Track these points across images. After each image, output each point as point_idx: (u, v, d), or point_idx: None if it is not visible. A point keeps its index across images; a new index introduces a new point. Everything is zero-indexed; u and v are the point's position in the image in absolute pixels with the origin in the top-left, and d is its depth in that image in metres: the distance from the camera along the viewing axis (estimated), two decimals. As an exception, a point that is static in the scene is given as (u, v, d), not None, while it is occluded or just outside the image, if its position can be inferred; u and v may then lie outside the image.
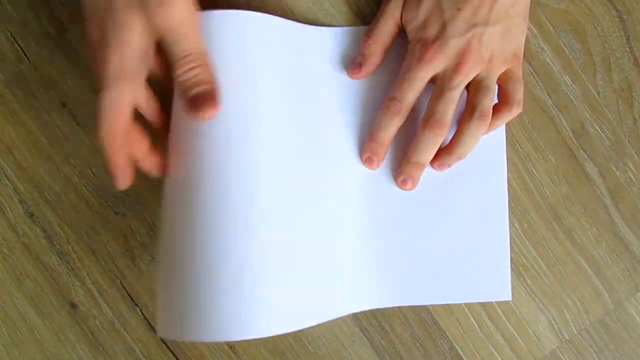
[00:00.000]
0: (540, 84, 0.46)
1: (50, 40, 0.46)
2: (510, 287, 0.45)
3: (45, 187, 0.46)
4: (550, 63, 0.46)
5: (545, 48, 0.46)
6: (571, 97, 0.47)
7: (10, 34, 0.46)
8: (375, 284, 0.45)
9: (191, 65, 0.39)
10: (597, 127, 0.47)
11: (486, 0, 0.41)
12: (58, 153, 0.46)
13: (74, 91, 0.46)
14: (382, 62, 0.45)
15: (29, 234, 0.46)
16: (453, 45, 0.41)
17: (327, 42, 0.45)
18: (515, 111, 0.43)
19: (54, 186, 0.46)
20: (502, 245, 0.45)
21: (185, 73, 0.39)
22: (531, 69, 0.46)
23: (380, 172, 0.45)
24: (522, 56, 0.43)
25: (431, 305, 0.47)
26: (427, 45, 0.42)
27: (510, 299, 0.46)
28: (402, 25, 0.44)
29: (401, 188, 0.45)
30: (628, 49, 0.46)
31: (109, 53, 0.37)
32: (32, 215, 0.47)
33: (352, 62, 0.45)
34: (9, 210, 0.46)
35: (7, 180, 0.46)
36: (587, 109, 0.47)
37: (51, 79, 0.46)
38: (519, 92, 0.43)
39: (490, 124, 0.43)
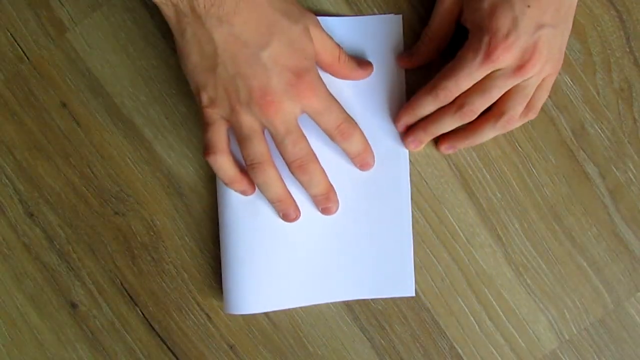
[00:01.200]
0: (540, 84, 0.46)
1: (50, 40, 0.46)
2: (413, 284, 0.46)
3: (45, 187, 0.46)
4: (550, 63, 0.46)
5: (545, 48, 0.46)
6: (571, 97, 0.47)
7: (10, 34, 0.46)
8: (299, 284, 0.46)
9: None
10: (597, 127, 0.47)
11: (553, 0, 0.39)
12: (58, 153, 0.46)
13: (74, 91, 0.46)
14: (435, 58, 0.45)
15: (29, 233, 0.46)
16: (522, 44, 0.39)
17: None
18: (530, 117, 0.43)
19: (54, 186, 0.46)
20: (406, 248, 0.46)
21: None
22: (531, 69, 0.46)
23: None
24: (560, 65, 0.43)
25: (430, 305, 0.47)
26: (496, 39, 0.39)
27: (413, 294, 0.46)
28: (460, 21, 0.43)
29: (407, 147, 0.45)
30: (628, 49, 0.46)
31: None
32: (32, 215, 0.47)
33: (403, 54, 0.45)
34: (9, 210, 0.46)
35: (7, 180, 0.46)
36: (587, 109, 0.47)
37: (51, 79, 0.46)
38: (541, 100, 0.43)
39: None
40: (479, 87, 0.41)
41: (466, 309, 0.47)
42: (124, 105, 0.46)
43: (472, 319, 0.47)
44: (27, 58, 0.46)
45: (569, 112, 0.47)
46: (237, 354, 0.47)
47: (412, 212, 0.46)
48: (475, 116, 0.42)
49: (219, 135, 0.41)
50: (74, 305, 0.47)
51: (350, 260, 0.46)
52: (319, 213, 0.46)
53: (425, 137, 0.45)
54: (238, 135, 0.40)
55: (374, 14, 0.46)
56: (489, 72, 0.40)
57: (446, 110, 0.43)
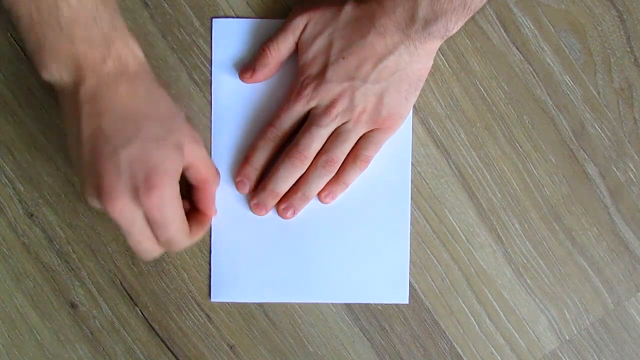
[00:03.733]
0: (540, 84, 0.46)
1: (50, 40, 0.46)
2: (407, 291, 0.46)
3: (45, 187, 0.46)
4: (550, 63, 0.46)
5: (545, 48, 0.46)
6: (571, 97, 0.47)
7: (10, 34, 0.46)
8: (293, 281, 0.47)
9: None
10: (597, 127, 0.47)
11: (371, 57, 0.42)
12: (58, 153, 0.46)
13: (74, 91, 0.46)
14: (276, 73, 0.46)
15: (28, 234, 0.46)
16: (328, 89, 0.43)
17: None
18: (359, 166, 0.45)
19: (54, 186, 0.46)
20: (403, 255, 0.46)
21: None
22: (531, 69, 0.46)
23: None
24: (396, 124, 0.44)
25: (430, 305, 0.47)
26: (307, 81, 0.44)
27: (407, 302, 0.46)
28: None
29: (255, 213, 0.46)
30: (628, 49, 0.46)
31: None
32: (32, 215, 0.47)
33: (246, 67, 0.45)
34: (8, 210, 0.46)
35: (7, 180, 0.46)
36: (587, 109, 0.47)
37: (51, 79, 0.46)
38: (368, 151, 0.45)
39: (339, 174, 0.45)
40: (304, 128, 0.44)
41: (466, 309, 0.47)
42: (124, 105, 0.46)
43: (472, 319, 0.47)
44: (27, 58, 0.46)
45: (569, 112, 0.47)
46: (237, 354, 0.47)
47: (412, 212, 0.47)
48: (306, 159, 0.44)
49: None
50: (73, 305, 0.47)
51: (346, 264, 0.46)
52: (318, 213, 0.46)
53: (268, 199, 0.45)
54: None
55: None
56: (304, 109, 0.44)
57: (278, 162, 0.45)
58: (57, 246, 0.47)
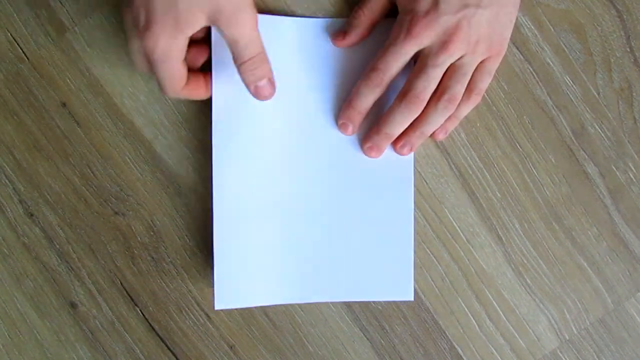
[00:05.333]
0: (540, 84, 0.46)
1: (50, 40, 0.46)
2: (412, 288, 0.46)
3: (45, 187, 0.46)
4: (550, 63, 0.46)
5: (545, 48, 0.46)
6: (571, 97, 0.47)
7: (10, 34, 0.46)
8: (296, 282, 0.46)
9: (255, 67, 0.42)
10: (597, 127, 0.47)
11: None
12: (58, 153, 0.46)
13: (74, 91, 0.46)
14: (368, 36, 0.45)
15: (29, 233, 0.47)
16: (443, 22, 0.41)
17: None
18: (474, 100, 0.44)
19: (54, 186, 0.46)
20: (407, 253, 0.46)
21: (250, 73, 0.42)
22: (531, 69, 0.46)
23: (301, 189, 0.46)
24: (504, 49, 0.43)
25: (430, 305, 0.47)
26: (416, 18, 0.41)
27: (412, 299, 0.46)
28: None
29: (368, 155, 0.45)
30: (628, 49, 0.47)
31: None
32: (32, 215, 0.47)
33: (337, 31, 0.45)
34: (8, 210, 0.46)
35: (7, 180, 0.46)
36: (587, 109, 0.47)
37: (51, 79, 0.46)
38: (484, 82, 0.43)
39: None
40: (416, 70, 0.42)
41: (466, 309, 0.47)
42: (124, 105, 0.46)
43: (472, 319, 0.47)
44: (27, 58, 0.46)
45: (569, 112, 0.47)
46: (237, 354, 0.47)
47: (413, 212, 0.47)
48: (423, 102, 0.42)
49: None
50: (74, 305, 0.47)
51: (350, 262, 0.46)
52: (321, 211, 0.46)
53: (383, 141, 0.45)
54: None
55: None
56: (415, 49, 0.42)
57: (393, 106, 0.43)
58: (57, 246, 0.47)
